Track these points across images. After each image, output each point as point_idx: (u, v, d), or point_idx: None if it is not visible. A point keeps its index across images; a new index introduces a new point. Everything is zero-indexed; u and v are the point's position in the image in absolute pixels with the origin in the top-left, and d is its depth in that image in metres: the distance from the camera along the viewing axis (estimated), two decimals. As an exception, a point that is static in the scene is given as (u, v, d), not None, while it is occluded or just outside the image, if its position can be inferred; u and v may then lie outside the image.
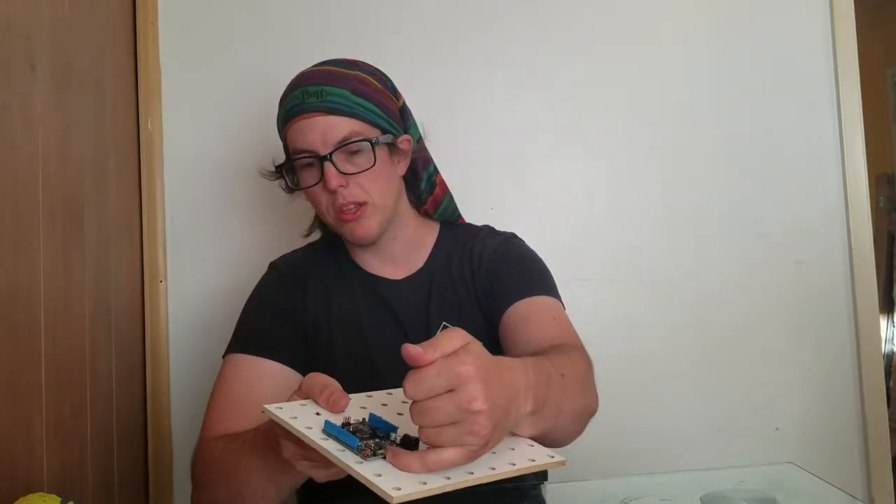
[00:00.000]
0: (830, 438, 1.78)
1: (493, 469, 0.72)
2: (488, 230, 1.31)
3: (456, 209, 1.31)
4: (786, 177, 1.81)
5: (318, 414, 0.76)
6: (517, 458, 0.75)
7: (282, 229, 1.62)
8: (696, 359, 1.78)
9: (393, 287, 1.23)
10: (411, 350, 0.66)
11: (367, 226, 1.15)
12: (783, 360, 1.79)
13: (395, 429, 0.73)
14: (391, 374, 1.15)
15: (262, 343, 1.15)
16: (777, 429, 1.79)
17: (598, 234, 1.78)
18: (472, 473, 0.70)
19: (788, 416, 1.79)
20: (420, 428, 0.67)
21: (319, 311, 1.21)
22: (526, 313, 1.13)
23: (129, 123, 1.59)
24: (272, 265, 1.28)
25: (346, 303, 1.22)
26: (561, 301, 1.20)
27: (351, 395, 0.80)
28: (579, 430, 0.96)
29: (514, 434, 0.79)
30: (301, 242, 1.32)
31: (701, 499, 0.92)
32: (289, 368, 1.14)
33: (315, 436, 0.71)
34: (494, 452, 0.74)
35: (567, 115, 1.78)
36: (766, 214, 1.81)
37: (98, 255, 1.34)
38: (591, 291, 1.76)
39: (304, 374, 1.10)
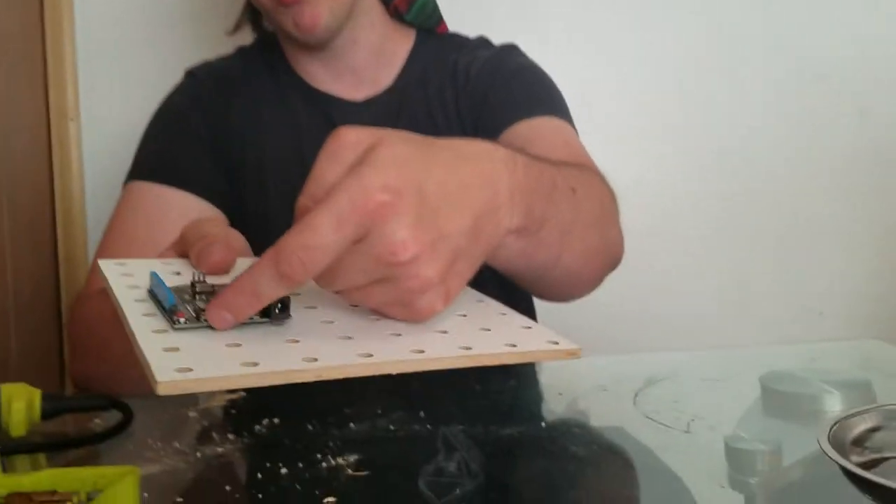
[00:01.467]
0: (884, 323, 1.54)
1: (422, 353, 0.42)
2: (481, 41, 1.03)
3: (437, 9, 1.02)
4: (850, 3, 1.51)
5: (178, 274, 0.51)
6: (489, 340, 0.45)
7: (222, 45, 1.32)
8: (726, 226, 1.52)
9: (350, 110, 0.95)
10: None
11: (314, 13, 0.86)
12: (833, 230, 1.55)
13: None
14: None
15: (171, 168, 0.90)
16: (821, 313, 1.55)
17: (614, 74, 1.49)
18: (372, 356, 0.41)
19: (834, 295, 1.55)
20: (339, 292, 0.45)
21: (248, 135, 0.94)
22: (528, 136, 0.87)
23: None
24: (189, 73, 1.00)
25: (285, 128, 0.95)
26: (574, 126, 0.93)
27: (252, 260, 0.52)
28: (594, 279, 0.70)
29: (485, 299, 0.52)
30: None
31: (761, 379, 0.66)
32: (205, 203, 0.89)
33: (131, 296, 0.47)
34: (447, 332, 0.45)
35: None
36: (825, 50, 1.51)
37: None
38: (598, 144, 1.45)
39: (227, 213, 0.89)
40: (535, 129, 0.88)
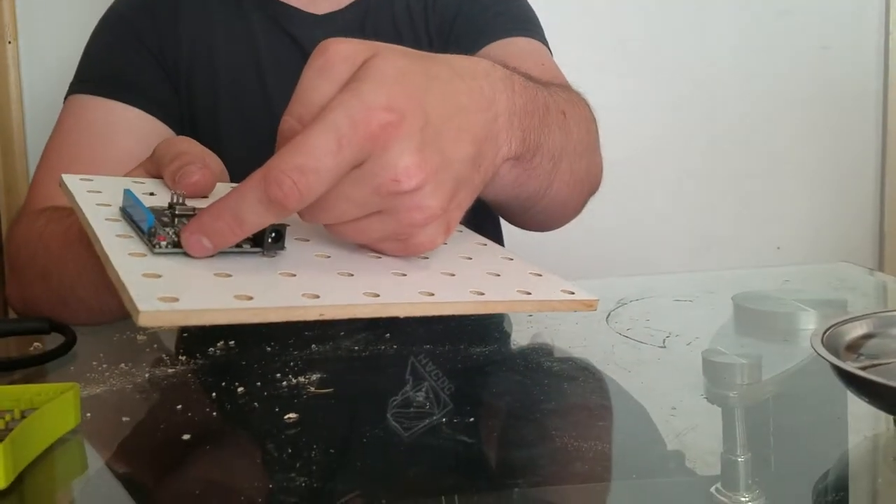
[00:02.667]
0: (842, 257, 1.52)
1: (432, 296, 0.38)
2: None
3: None
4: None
5: (152, 195, 0.45)
6: (500, 286, 0.41)
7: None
8: (689, 158, 1.50)
9: (310, 24, 0.87)
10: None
11: None
12: (794, 164, 1.53)
13: None
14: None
15: (116, 81, 0.82)
16: (778, 248, 1.54)
17: (583, 15, 1.44)
18: (379, 296, 0.36)
19: (792, 230, 1.55)
20: (327, 227, 0.40)
21: (198, 49, 0.87)
22: (502, 58, 0.81)
23: None
24: None
25: (238, 39, 0.87)
26: (549, 48, 0.88)
27: (231, 186, 0.48)
28: (577, 209, 0.67)
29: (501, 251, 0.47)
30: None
31: (734, 298, 0.64)
32: (152, 118, 0.82)
33: (101, 214, 0.40)
34: (454, 275, 0.41)
35: None
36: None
37: None
38: (570, 79, 1.42)
39: (176, 130, 0.82)
40: (510, 50, 0.82)
